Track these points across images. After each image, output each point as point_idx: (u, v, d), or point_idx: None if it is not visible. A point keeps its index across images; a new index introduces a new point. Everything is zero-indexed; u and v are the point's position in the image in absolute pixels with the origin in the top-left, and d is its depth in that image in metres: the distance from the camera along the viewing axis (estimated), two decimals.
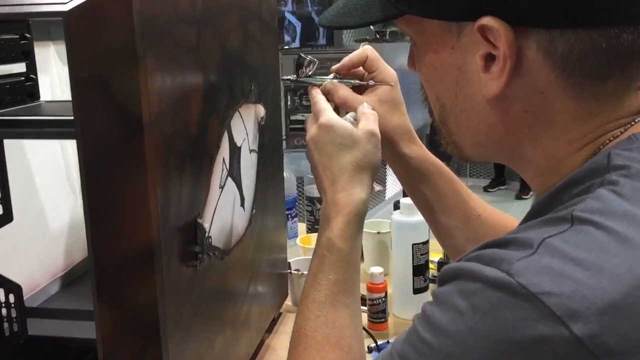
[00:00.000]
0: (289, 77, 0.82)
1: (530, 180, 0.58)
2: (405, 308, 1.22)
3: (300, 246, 1.36)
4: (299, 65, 0.81)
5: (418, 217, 1.19)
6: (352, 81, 0.81)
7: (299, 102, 2.51)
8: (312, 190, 1.56)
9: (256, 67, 0.94)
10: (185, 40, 0.67)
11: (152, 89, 0.59)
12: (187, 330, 0.70)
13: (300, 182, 2.10)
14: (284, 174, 1.52)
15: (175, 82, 0.65)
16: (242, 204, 0.89)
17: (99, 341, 0.61)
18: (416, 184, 0.83)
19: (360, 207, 0.72)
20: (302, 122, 3.32)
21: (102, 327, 0.61)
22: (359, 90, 0.81)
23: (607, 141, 0.51)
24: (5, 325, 0.76)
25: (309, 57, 0.81)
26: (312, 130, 0.76)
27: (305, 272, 1.15)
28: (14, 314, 0.77)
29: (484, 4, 0.50)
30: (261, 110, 0.95)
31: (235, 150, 0.85)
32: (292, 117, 3.39)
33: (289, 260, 1.22)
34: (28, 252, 0.93)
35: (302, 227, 1.67)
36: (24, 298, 0.78)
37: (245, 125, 0.89)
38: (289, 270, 1.20)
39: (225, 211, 0.82)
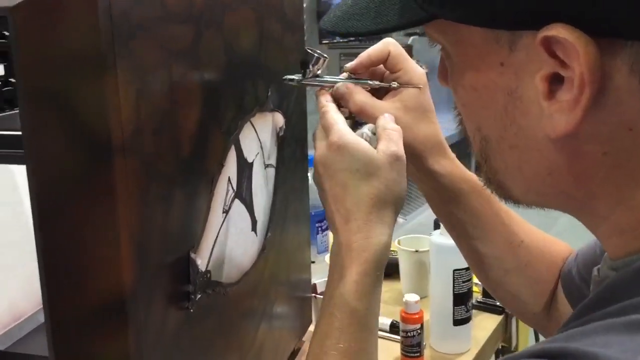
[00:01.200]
0: (292, 77, 0.69)
1: (604, 239, 0.44)
2: (444, 341, 1.09)
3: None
4: (304, 63, 0.67)
5: None
6: (371, 82, 0.67)
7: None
8: None
9: (276, 70, 0.82)
10: (176, 43, 0.56)
11: (125, 105, 0.48)
12: None
13: None
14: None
15: (161, 94, 0.54)
16: (254, 228, 0.78)
17: None
18: (447, 205, 0.69)
19: (380, 253, 0.59)
20: None
21: None
22: (379, 94, 0.68)
23: None
24: None
25: (317, 53, 0.67)
26: (320, 148, 0.62)
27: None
28: None
29: (555, 4, 0.36)
30: (280, 119, 0.83)
31: (245, 167, 0.74)
32: None
33: (314, 282, 1.10)
34: (13, 275, 0.84)
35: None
36: (8, 329, 0.69)
37: (259, 138, 0.77)
38: (313, 294, 1.08)
39: (230, 239, 0.71)
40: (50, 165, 0.46)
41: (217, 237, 0.67)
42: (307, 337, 1.07)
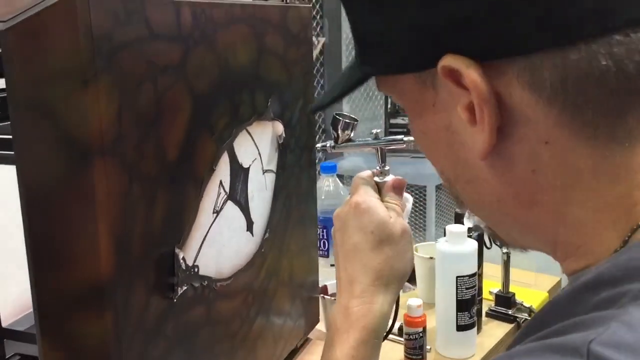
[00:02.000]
0: (325, 144, 0.73)
1: (561, 263, 0.44)
2: (447, 345, 1.11)
3: None
4: (335, 129, 0.71)
5: (466, 246, 1.08)
6: (406, 139, 0.71)
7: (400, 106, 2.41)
8: None
9: (276, 81, 0.87)
10: (163, 58, 0.63)
11: (106, 115, 0.55)
12: None
13: None
14: (340, 191, 1.45)
15: (145, 105, 0.60)
16: (250, 229, 0.83)
17: None
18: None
19: (381, 321, 0.61)
20: (403, 125, 3.22)
21: None
22: None
23: None
24: None
25: (345, 119, 0.70)
26: (343, 206, 0.66)
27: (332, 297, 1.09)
28: None
29: (440, 39, 0.39)
30: (280, 127, 0.88)
31: (239, 172, 0.79)
32: (392, 121, 3.30)
33: (326, 283, 1.15)
34: (18, 273, 0.93)
35: None
36: (12, 321, 0.78)
37: (256, 144, 0.83)
38: (321, 295, 1.13)
39: (222, 238, 0.77)
40: (37, 165, 0.53)
41: (206, 235, 0.73)
42: (313, 335, 1.12)
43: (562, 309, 0.38)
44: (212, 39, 0.71)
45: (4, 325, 0.82)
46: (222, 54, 0.73)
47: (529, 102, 0.38)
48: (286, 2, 0.91)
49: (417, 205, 2.66)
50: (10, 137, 0.52)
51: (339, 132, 0.71)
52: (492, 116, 0.39)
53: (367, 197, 0.65)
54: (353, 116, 0.72)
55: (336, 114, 0.71)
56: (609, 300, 0.35)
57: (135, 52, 0.58)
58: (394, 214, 0.66)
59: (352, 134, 0.72)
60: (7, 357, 0.77)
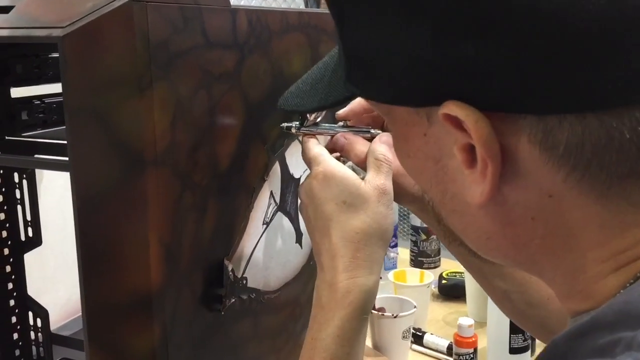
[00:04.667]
0: (290, 124, 0.67)
1: (560, 300, 0.42)
2: None
3: (392, 282, 1.26)
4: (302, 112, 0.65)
5: None
6: (373, 131, 0.64)
7: None
8: (417, 219, 1.44)
9: None
10: (217, 66, 0.62)
11: (160, 123, 0.54)
12: None
13: (404, 207, 1.97)
14: None
15: (199, 113, 0.60)
16: (299, 240, 0.82)
17: None
18: (460, 247, 0.68)
19: (367, 295, 0.57)
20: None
21: None
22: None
23: None
24: (33, 349, 0.76)
25: None
26: (307, 179, 0.62)
27: (390, 314, 1.06)
28: (40, 338, 0.77)
29: (445, 86, 0.35)
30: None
31: (290, 182, 0.78)
32: None
33: None
34: (68, 278, 0.93)
35: (404, 253, 1.56)
36: (59, 325, 0.78)
37: None
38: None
39: (271, 249, 0.75)
40: (90, 172, 0.53)
41: (255, 246, 0.72)
42: None
43: (560, 354, 0.36)
44: (267, 46, 0.69)
45: (51, 329, 0.82)
46: (277, 62, 0.72)
47: (536, 160, 0.36)
48: None
49: None
50: (65, 142, 0.52)
51: (307, 115, 0.66)
52: (496, 171, 0.36)
53: (327, 163, 0.60)
54: None
55: None
56: (603, 349, 0.33)
57: (191, 60, 0.57)
58: (372, 173, 0.60)
59: (319, 119, 0.66)
60: None
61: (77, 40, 0.50)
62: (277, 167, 0.75)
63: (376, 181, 0.60)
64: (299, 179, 0.80)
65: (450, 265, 1.50)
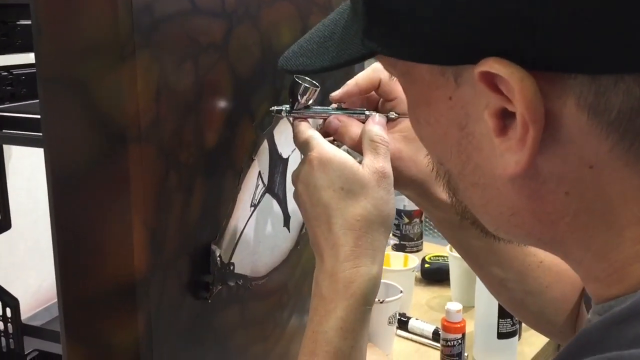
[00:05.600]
0: (280, 108, 0.63)
1: (584, 282, 0.40)
2: (487, 353, 1.06)
3: None
4: (292, 94, 0.62)
5: None
6: (367, 113, 0.61)
7: None
8: (399, 202, 1.42)
9: None
10: (205, 36, 0.57)
11: (143, 95, 0.49)
12: None
13: None
14: None
15: (185, 86, 0.55)
16: (286, 224, 0.78)
17: None
18: (458, 233, 0.65)
19: (369, 285, 0.54)
20: None
21: None
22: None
23: None
24: (2, 340, 0.71)
25: (305, 83, 0.61)
26: (301, 165, 0.58)
27: (377, 300, 1.03)
28: (10, 329, 0.72)
29: (484, 40, 0.32)
30: None
31: (278, 162, 0.74)
32: None
33: None
34: (39, 264, 0.88)
35: None
36: (30, 314, 0.73)
37: None
38: None
39: (258, 233, 0.71)
40: (67, 148, 0.48)
41: (243, 230, 0.68)
42: None
43: (594, 342, 0.33)
44: (256, 16, 0.65)
45: (22, 319, 0.77)
46: (266, 33, 0.67)
47: (583, 126, 0.33)
48: None
49: None
50: (37, 116, 0.47)
51: (298, 97, 0.62)
52: (537, 138, 0.33)
53: (322, 148, 0.57)
54: (315, 82, 0.63)
55: (296, 76, 0.63)
56: None
57: (176, 27, 0.53)
58: (370, 156, 0.57)
59: (311, 102, 0.63)
60: (26, 353, 0.73)
61: (52, 2, 0.45)
62: (265, 146, 0.70)
63: (375, 164, 0.57)
64: (287, 158, 0.76)
65: (433, 249, 1.48)
